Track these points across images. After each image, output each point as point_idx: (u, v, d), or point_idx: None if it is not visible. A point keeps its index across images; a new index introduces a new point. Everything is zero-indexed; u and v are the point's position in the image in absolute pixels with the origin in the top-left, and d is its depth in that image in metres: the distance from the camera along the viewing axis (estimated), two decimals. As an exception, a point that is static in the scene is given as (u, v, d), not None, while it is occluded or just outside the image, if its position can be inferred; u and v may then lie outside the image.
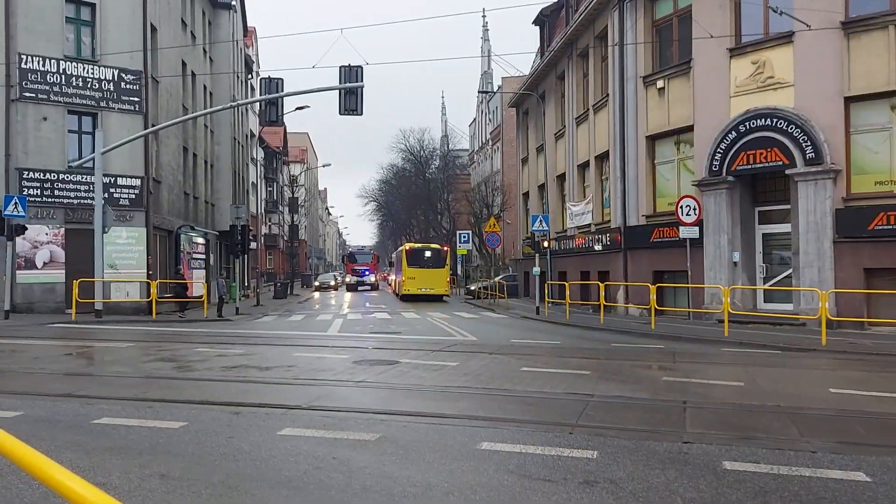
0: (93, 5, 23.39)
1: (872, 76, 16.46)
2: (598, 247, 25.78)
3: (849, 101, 16.90)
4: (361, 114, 20.46)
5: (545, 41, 36.11)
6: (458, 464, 5.41)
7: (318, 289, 61.61)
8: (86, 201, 22.60)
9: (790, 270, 17.97)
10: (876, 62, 16.40)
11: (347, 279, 58.57)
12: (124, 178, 23.66)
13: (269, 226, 65.34)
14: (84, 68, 23.16)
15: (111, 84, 23.58)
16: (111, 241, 22.66)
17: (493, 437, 6.24)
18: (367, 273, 57.70)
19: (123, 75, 23.73)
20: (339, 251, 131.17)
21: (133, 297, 23.29)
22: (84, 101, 23.18)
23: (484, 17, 68.77)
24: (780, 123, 17.67)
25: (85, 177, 22.67)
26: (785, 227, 18.29)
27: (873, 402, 8.38)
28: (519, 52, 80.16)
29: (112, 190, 23.16)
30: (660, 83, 21.54)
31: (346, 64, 20.15)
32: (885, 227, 16.10)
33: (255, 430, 6.55)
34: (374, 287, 58.78)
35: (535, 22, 37.27)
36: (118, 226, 22.88)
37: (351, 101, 20.22)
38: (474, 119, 76.47)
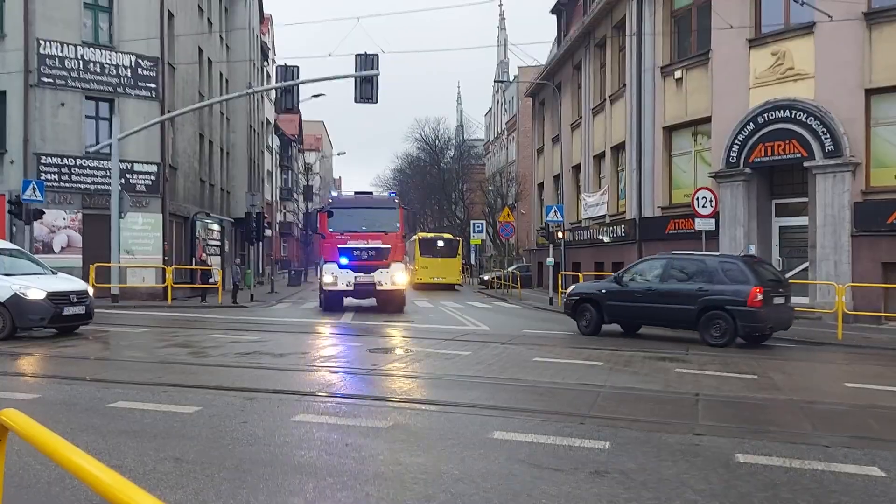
0: (111, -8, 23.47)
1: (895, 68, 16.20)
2: (606, 238, 25.69)
3: (870, 93, 16.66)
4: (377, 102, 20.42)
5: (562, 31, 35.85)
6: (469, 452, 5.44)
7: None
8: (103, 187, 22.76)
9: (807, 264, 17.81)
10: (898, 54, 16.15)
11: (326, 277, 20.20)
12: (141, 165, 23.80)
13: (284, 213, 65.56)
14: (101, 54, 23.25)
15: (128, 70, 23.68)
16: (127, 227, 22.83)
17: (504, 426, 6.26)
18: (375, 265, 20.04)
19: (140, 62, 23.82)
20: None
21: (149, 282, 23.48)
22: (101, 87, 23.29)
23: (501, 5, 68.38)
24: (800, 115, 17.46)
25: (102, 162, 22.81)
26: (802, 220, 18.12)
27: (888, 397, 8.31)
28: (536, 42, 79.86)
29: (129, 176, 23.31)
30: (678, 74, 21.34)
31: (362, 52, 20.12)
32: (905, 221, 15.90)
33: (269, 415, 6.61)
34: (396, 302, 20.81)
35: (553, 11, 37.01)
36: (134, 211, 23.03)
37: (366, 90, 20.19)
38: (490, 109, 76.18)
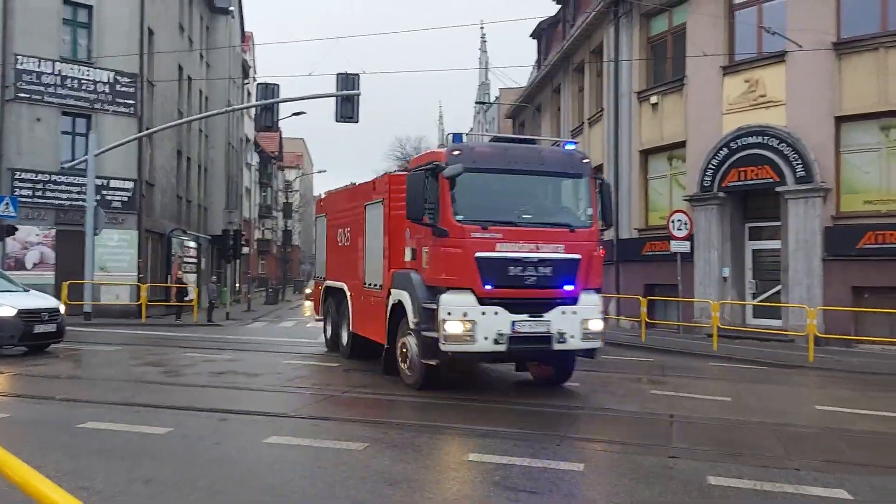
0: (90, 7, 23.37)
1: (863, 97, 16.60)
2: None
3: (839, 120, 17.04)
4: (357, 121, 20.47)
5: (542, 54, 36.28)
6: (444, 475, 5.43)
7: (309, 296, 48.90)
8: (78, 203, 22.49)
9: (779, 287, 18.06)
10: (867, 83, 16.55)
11: (452, 325, 8.65)
12: (117, 181, 23.59)
13: (263, 231, 65.19)
14: (80, 70, 23.11)
15: (106, 86, 23.55)
16: (102, 244, 22.56)
17: (481, 447, 6.25)
18: (551, 297, 9.14)
19: (119, 78, 23.70)
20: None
21: (123, 300, 23.19)
22: (79, 103, 23.12)
23: (482, 28, 68.97)
24: (772, 141, 17.79)
25: (77, 178, 22.57)
26: (775, 244, 18.39)
27: (858, 421, 8.43)
28: (516, 66, 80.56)
29: (104, 192, 23.08)
30: (654, 99, 21.67)
31: (343, 72, 20.21)
32: (873, 245, 16.20)
33: (242, 437, 6.55)
34: (568, 369, 10.21)
35: (533, 35, 37.47)
36: (110, 228, 22.79)
37: (347, 109, 20.26)
38: (471, 129, 76.65)
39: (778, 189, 17.69)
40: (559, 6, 32.39)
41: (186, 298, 25.50)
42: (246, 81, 46.55)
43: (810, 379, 12.41)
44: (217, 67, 36.02)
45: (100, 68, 23.37)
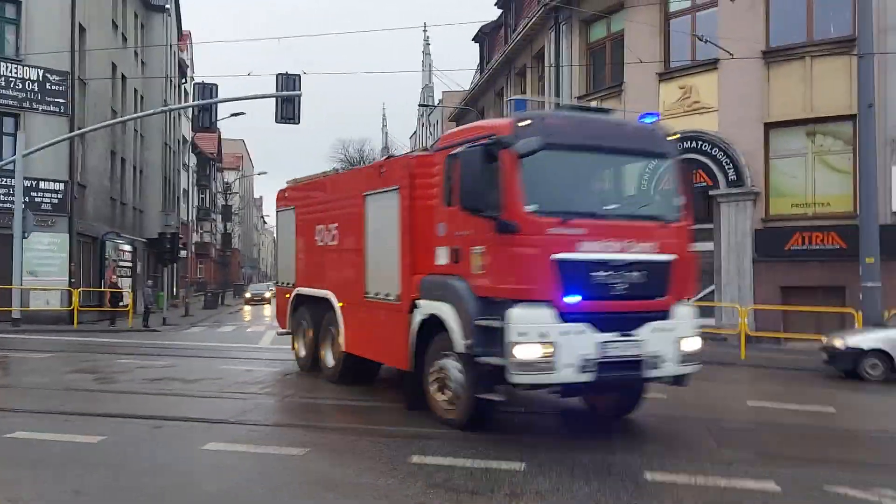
0: (18, 3, 22.46)
1: (790, 104, 17.31)
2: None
3: (768, 126, 17.71)
4: (299, 122, 20.21)
5: (484, 58, 36.58)
6: (385, 480, 5.40)
7: (249, 301, 46.97)
8: (5, 205, 21.58)
9: (713, 287, 18.65)
10: (794, 91, 17.26)
11: (525, 349, 6.56)
12: (47, 182, 22.70)
13: (201, 234, 63.73)
14: (7, 67, 22.18)
15: (35, 84, 22.65)
16: (31, 248, 21.69)
17: (423, 449, 6.26)
18: (642, 310, 7.13)
19: (49, 76, 22.83)
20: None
21: (53, 305, 22.34)
22: (6, 101, 22.18)
23: (425, 31, 69.12)
24: (705, 146, 18.36)
25: (5, 180, 21.64)
26: (708, 246, 18.96)
27: (787, 415, 8.78)
28: (459, 69, 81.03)
29: (34, 194, 22.19)
30: (593, 104, 22.08)
31: (284, 72, 19.93)
32: (800, 247, 16.91)
33: (178, 444, 6.40)
34: (637, 399, 8.24)
35: (475, 39, 37.74)
36: (39, 231, 21.92)
37: (288, 110, 19.99)
38: (415, 132, 76.70)
39: (711, 192, 18.25)
40: (501, 11, 32.73)
41: (121, 303, 24.74)
42: (183, 81, 45.51)
43: (742, 375, 12.86)
44: (153, 66, 35.09)
45: (29, 66, 22.48)
